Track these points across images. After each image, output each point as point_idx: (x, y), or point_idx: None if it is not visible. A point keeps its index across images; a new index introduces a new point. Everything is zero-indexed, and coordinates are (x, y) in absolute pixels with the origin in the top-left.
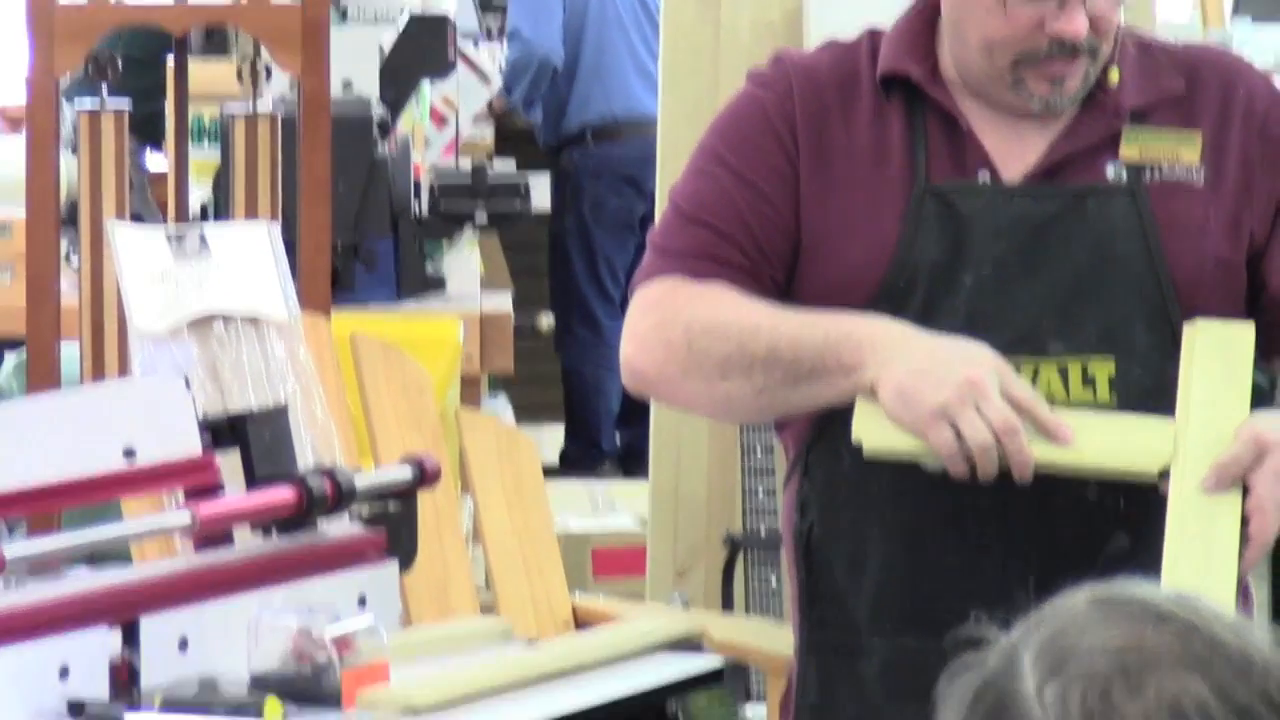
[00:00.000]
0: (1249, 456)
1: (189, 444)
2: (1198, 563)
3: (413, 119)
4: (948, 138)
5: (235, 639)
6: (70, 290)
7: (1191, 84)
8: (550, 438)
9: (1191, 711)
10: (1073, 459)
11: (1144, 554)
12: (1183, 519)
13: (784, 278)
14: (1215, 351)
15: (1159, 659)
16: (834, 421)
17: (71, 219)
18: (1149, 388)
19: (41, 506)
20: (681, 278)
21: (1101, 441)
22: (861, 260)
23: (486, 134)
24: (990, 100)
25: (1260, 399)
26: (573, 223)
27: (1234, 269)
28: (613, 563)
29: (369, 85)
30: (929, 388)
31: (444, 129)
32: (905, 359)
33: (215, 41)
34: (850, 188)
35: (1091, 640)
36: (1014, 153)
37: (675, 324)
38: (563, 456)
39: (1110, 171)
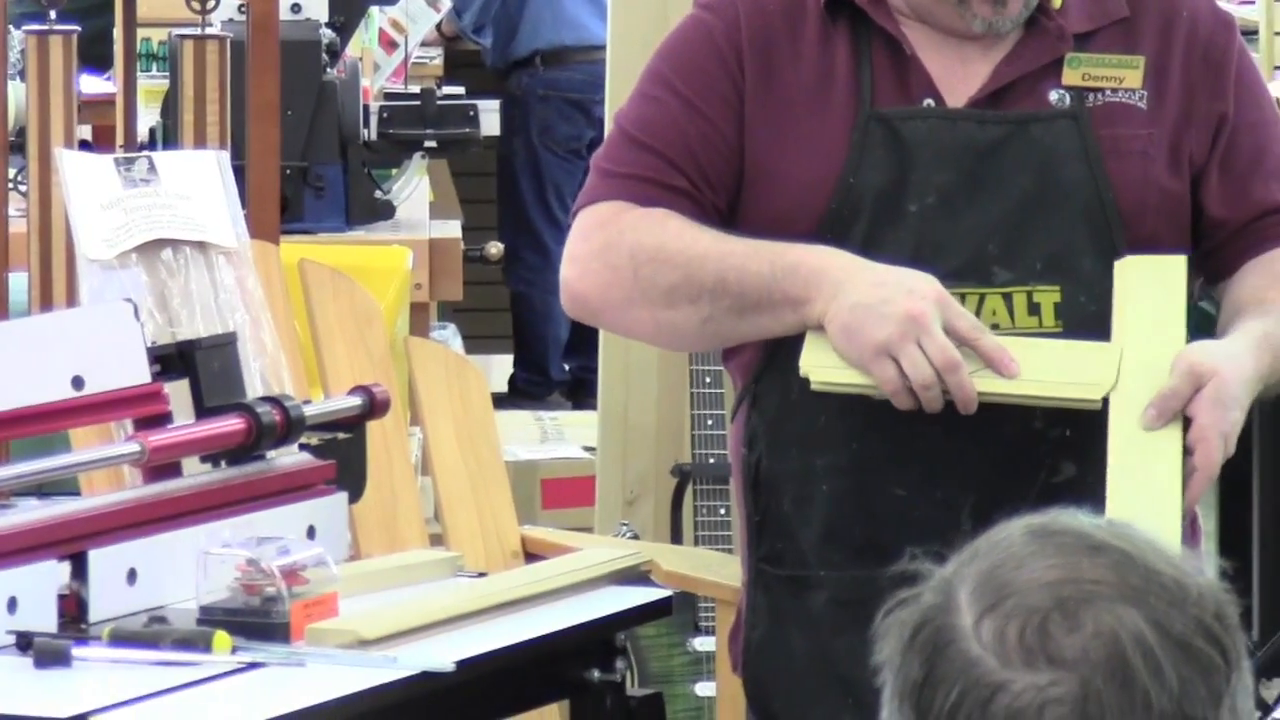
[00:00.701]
0: (1187, 388)
1: (137, 373)
2: (1141, 497)
3: (361, 43)
4: (893, 63)
5: (184, 571)
6: (18, 218)
7: (1135, 7)
8: (499, 366)
9: (1128, 643)
10: (1016, 390)
11: (1093, 482)
12: (1124, 454)
13: (728, 205)
14: (1147, 285)
15: (1095, 591)
16: (782, 352)
17: (19, 146)
18: (1095, 314)
19: None
20: (625, 202)
21: (1045, 371)
22: (806, 187)
23: (436, 58)
24: (934, 23)
25: (1211, 325)
26: (521, 148)
27: (1177, 195)
28: (562, 493)
29: (318, 8)
30: (872, 323)
31: (393, 53)
32: (850, 293)
33: None
34: (795, 114)
35: (1028, 574)
36: (959, 78)
37: (620, 249)
38: (511, 385)
39: (1054, 96)
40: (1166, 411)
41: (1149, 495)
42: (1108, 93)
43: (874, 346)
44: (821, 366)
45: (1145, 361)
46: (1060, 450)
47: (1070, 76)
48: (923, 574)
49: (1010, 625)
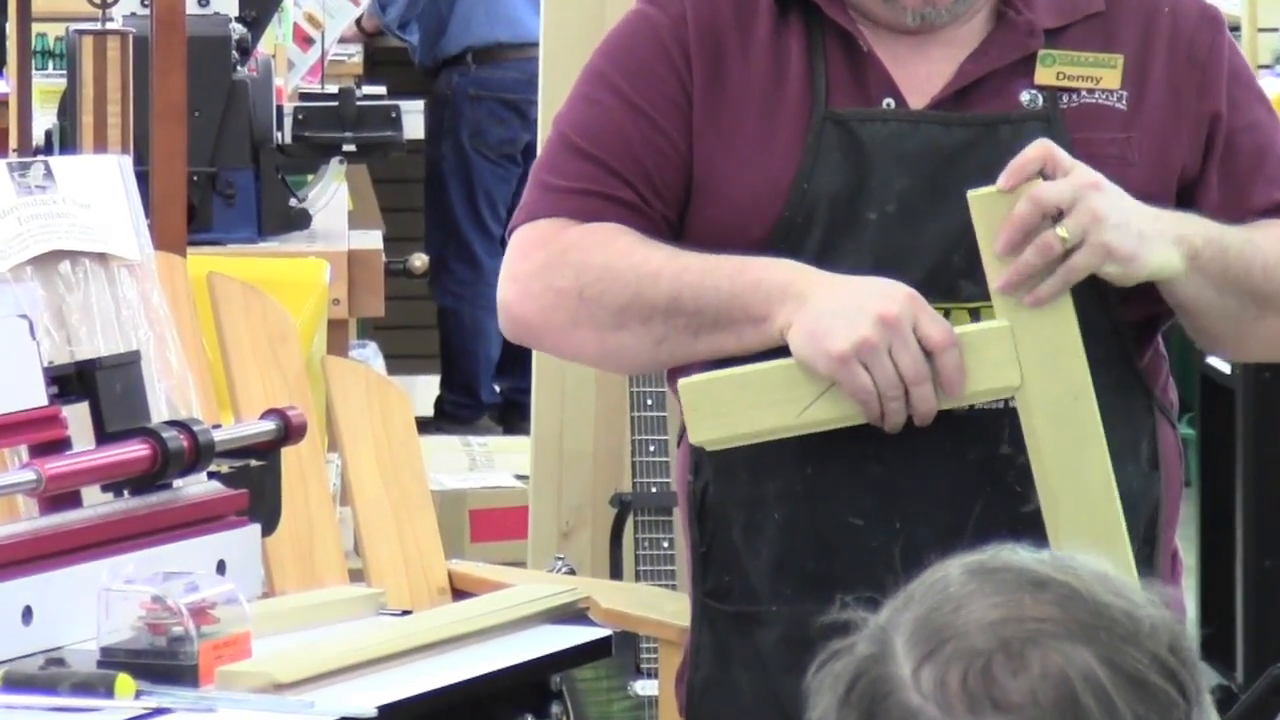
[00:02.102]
0: (1034, 216)
1: (33, 395)
2: (1079, 514)
3: (275, 39)
4: (849, 61)
5: (84, 609)
6: None
7: (1110, 2)
8: (424, 388)
9: (1079, 683)
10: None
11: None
12: (1046, 457)
13: (677, 216)
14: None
15: (1041, 630)
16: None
17: None
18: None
19: None
20: (568, 218)
21: (970, 369)
22: (756, 194)
23: (355, 56)
24: (870, 17)
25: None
26: (450, 152)
27: (1159, 202)
28: (492, 525)
29: (227, 2)
30: (841, 327)
31: (309, 50)
32: (816, 301)
33: None
34: (746, 116)
35: (967, 615)
36: (920, 77)
37: (563, 267)
38: (438, 408)
39: (1024, 97)
40: (1017, 174)
41: (1087, 513)
42: (1083, 94)
43: (842, 351)
44: (710, 422)
45: (1039, 340)
46: (1029, 477)
47: (1043, 75)
48: (856, 622)
49: (951, 671)
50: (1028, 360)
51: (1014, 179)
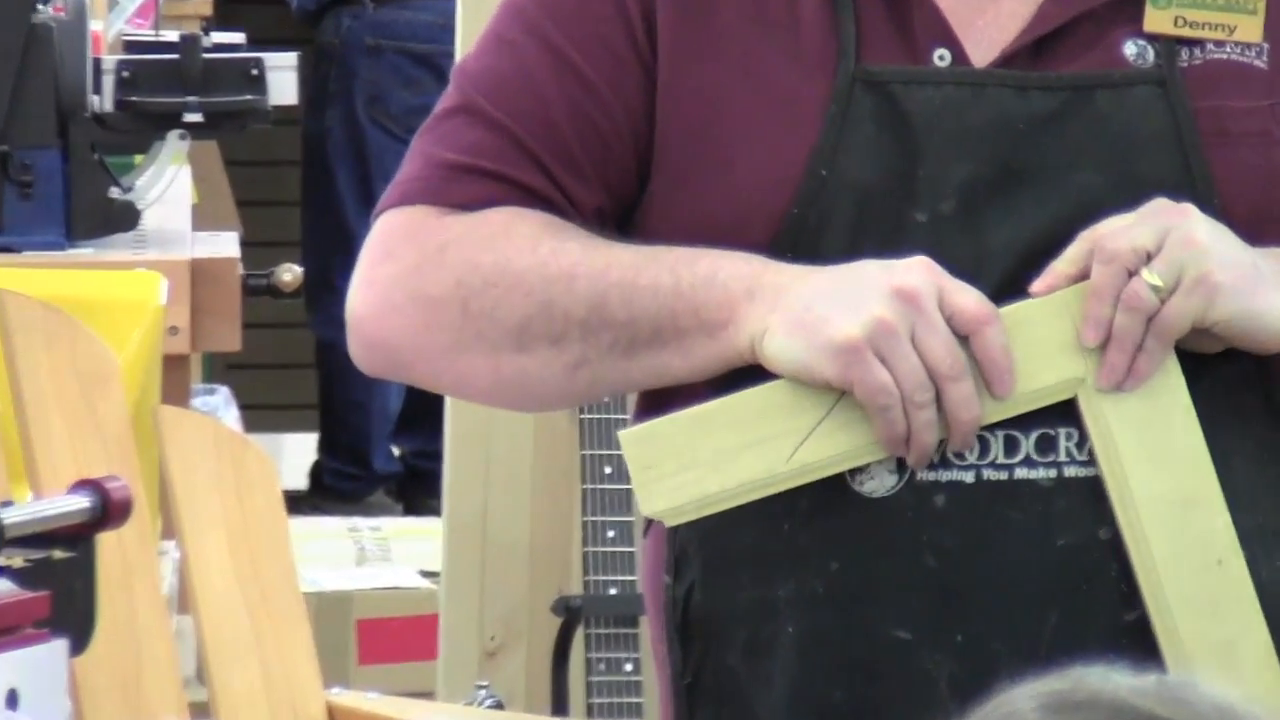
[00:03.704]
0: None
1: None
2: (1199, 610)
3: None
4: (887, 1)
5: None
6: None
7: None
8: (296, 450)
9: None
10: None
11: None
12: (1155, 543)
13: (617, 208)
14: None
15: None
16: None
17: None
18: (1189, 369)
19: None
20: (449, 205)
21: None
22: (754, 182)
23: None
24: None
25: None
26: (338, 123)
27: None
28: (388, 640)
29: None
30: (844, 309)
31: None
32: (800, 293)
33: None
34: (737, 74)
35: None
36: (986, 19)
37: (439, 270)
38: (315, 479)
39: (1130, 50)
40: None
41: (1211, 627)
42: (1211, 47)
43: (849, 338)
44: (672, 481)
45: (1139, 431)
46: (1123, 587)
47: (1155, 20)
48: None
49: None
50: (1131, 456)
51: (1051, 280)
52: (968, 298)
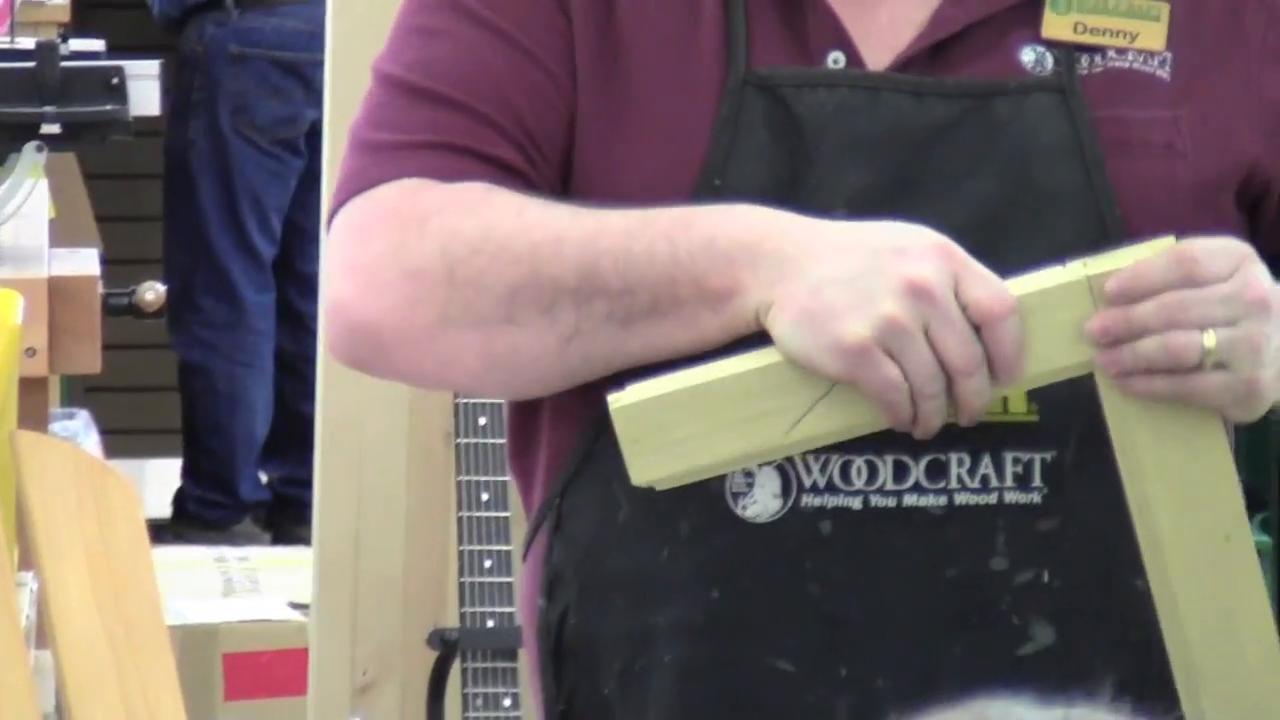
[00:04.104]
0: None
1: None
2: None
3: None
4: (780, 1)
5: None
6: None
7: None
8: (159, 477)
9: None
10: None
11: (1082, 654)
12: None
13: (562, 188)
14: None
15: None
16: (604, 444)
17: None
18: (1088, 385)
19: None
20: (421, 176)
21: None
22: (648, 189)
23: None
24: None
25: None
26: (201, 135)
27: (1217, 204)
28: (256, 675)
29: None
30: (851, 303)
31: None
32: (809, 267)
33: None
34: (638, 78)
35: None
36: (880, 23)
37: (423, 242)
38: (179, 507)
39: (1028, 57)
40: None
41: (1240, 687)
42: (1112, 54)
43: (857, 341)
44: (665, 453)
45: (1172, 455)
46: (1032, 603)
47: (1054, 26)
48: None
49: None
50: (1144, 430)
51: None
52: (985, 289)
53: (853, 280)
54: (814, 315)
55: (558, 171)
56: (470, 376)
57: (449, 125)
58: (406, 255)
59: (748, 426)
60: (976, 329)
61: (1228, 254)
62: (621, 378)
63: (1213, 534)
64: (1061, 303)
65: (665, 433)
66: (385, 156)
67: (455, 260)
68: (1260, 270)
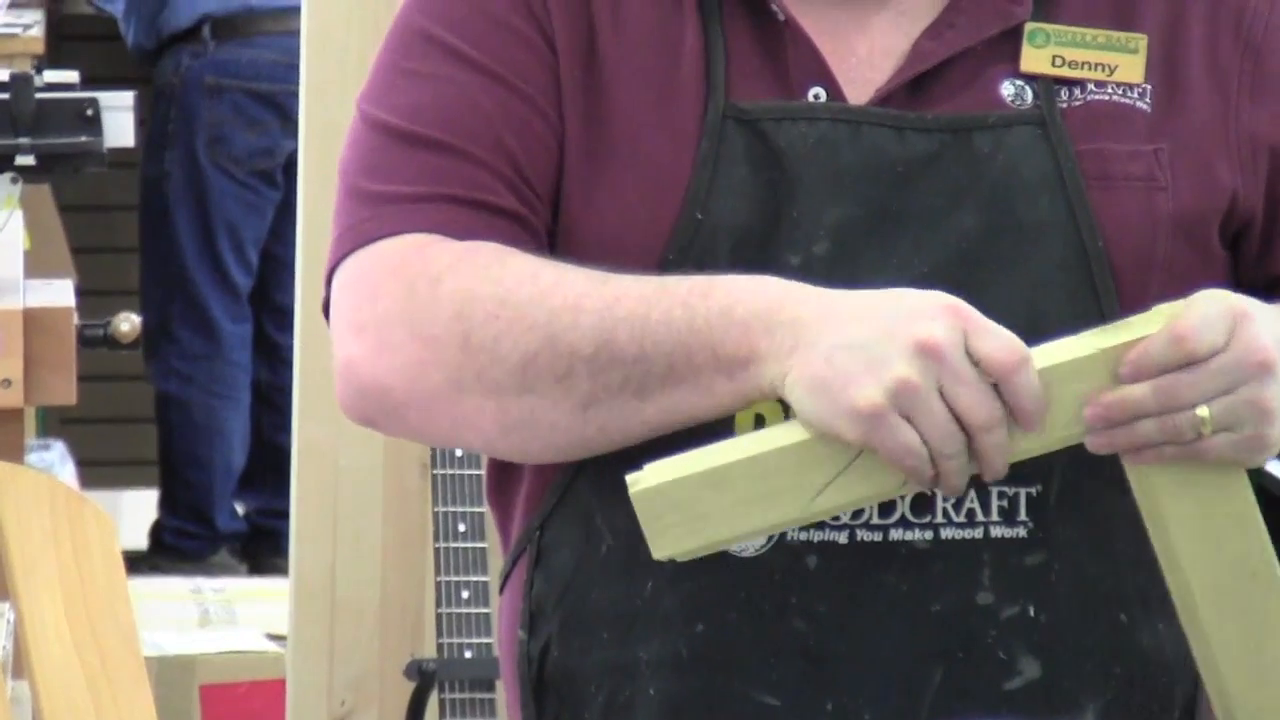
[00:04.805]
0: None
1: None
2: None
3: None
4: (760, 35)
5: None
6: None
7: None
8: (136, 508)
9: None
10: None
11: (1067, 687)
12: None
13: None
14: None
15: None
16: (584, 477)
17: None
18: None
19: None
20: (429, 231)
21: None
22: (630, 223)
23: (33, 27)
24: None
25: None
26: (177, 166)
27: (1199, 236)
28: (233, 706)
29: None
30: (864, 369)
31: None
32: (823, 334)
33: None
34: (619, 113)
35: None
36: (859, 57)
37: (435, 305)
38: (155, 538)
39: (1008, 90)
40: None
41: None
42: (1092, 88)
43: (872, 405)
44: (686, 528)
45: (1193, 494)
46: (1017, 637)
47: (1033, 59)
48: None
49: None
50: (1179, 534)
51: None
52: (995, 343)
53: (865, 346)
54: (828, 382)
55: (550, 210)
56: (485, 441)
57: (450, 174)
58: (418, 317)
59: (769, 502)
60: (994, 385)
61: (1224, 319)
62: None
63: (1239, 573)
64: (1071, 376)
65: (686, 510)
66: (389, 210)
67: (470, 325)
68: (1259, 329)
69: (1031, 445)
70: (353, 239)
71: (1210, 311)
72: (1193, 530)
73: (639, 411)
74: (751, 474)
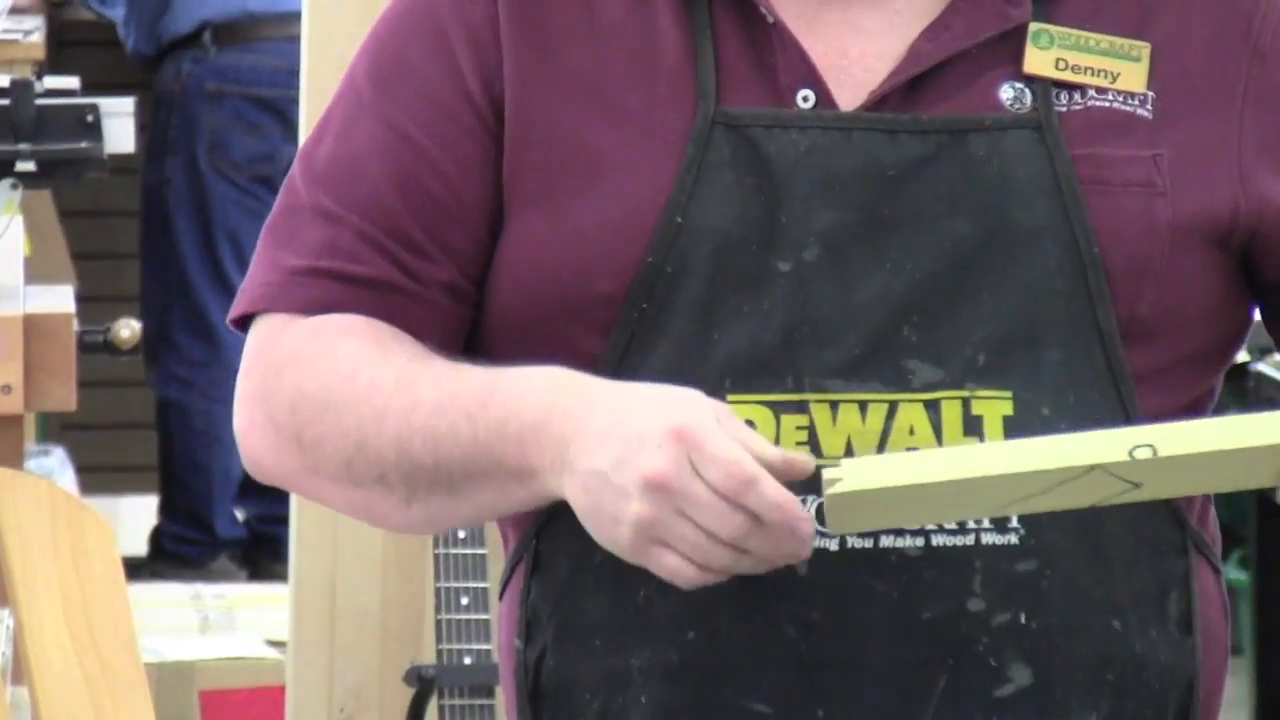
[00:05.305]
0: None
1: None
2: None
3: None
4: (748, 38)
5: None
6: None
7: None
8: (136, 515)
9: None
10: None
11: (1059, 695)
12: None
13: (475, 278)
14: None
15: None
16: None
17: None
18: (1062, 431)
19: None
20: (291, 311)
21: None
22: (608, 230)
23: (34, 33)
24: None
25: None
26: (178, 172)
27: (1197, 244)
28: (233, 712)
29: None
30: (610, 502)
31: None
32: (579, 455)
33: None
34: (590, 117)
35: None
36: (852, 60)
37: (279, 395)
38: (155, 544)
39: (1006, 94)
40: None
41: None
42: (1093, 93)
43: (627, 541)
44: (865, 519)
45: None
46: (1009, 644)
47: (1036, 61)
48: None
49: None
50: None
51: None
52: (719, 472)
53: (607, 475)
54: (590, 516)
55: (468, 258)
56: (347, 515)
57: (329, 247)
58: (268, 404)
59: (957, 509)
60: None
61: None
62: None
63: None
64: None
65: (875, 508)
66: (275, 278)
67: (301, 423)
68: None
69: (1216, 484)
70: (245, 301)
71: None
72: None
73: (456, 508)
74: (952, 490)
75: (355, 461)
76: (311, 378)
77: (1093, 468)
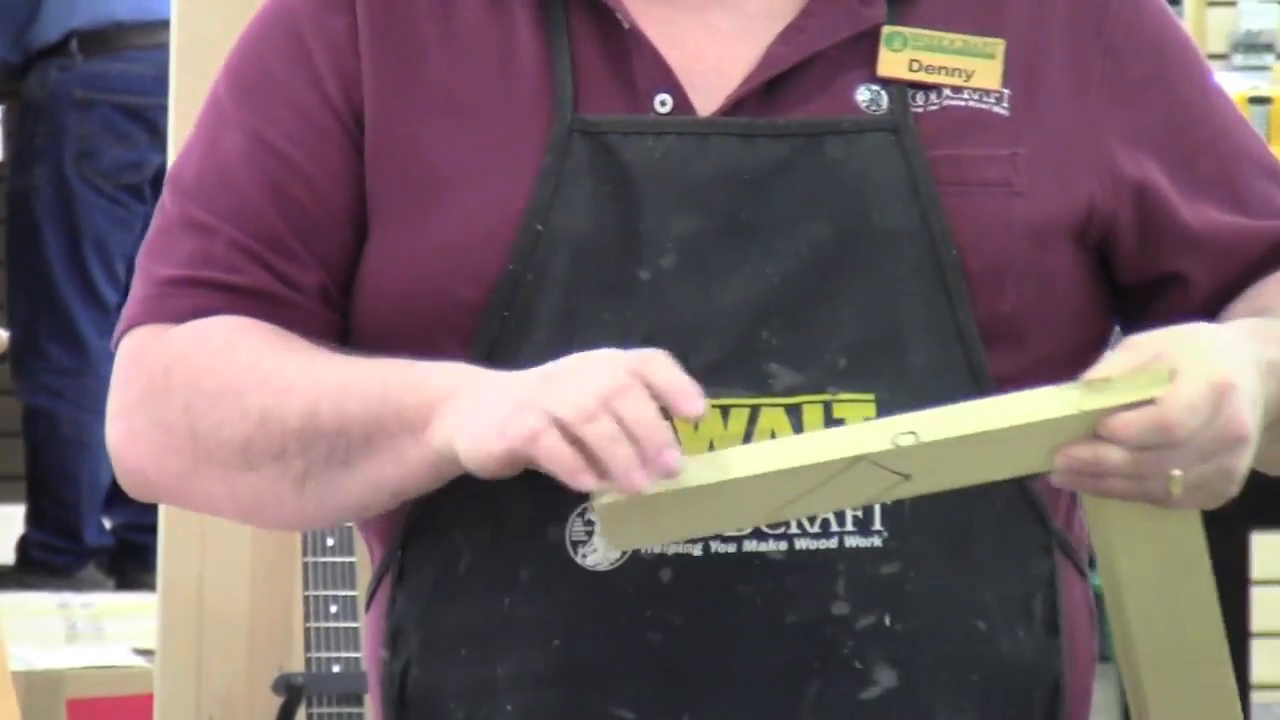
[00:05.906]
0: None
1: None
2: None
3: None
4: (604, 43)
5: None
6: None
7: None
8: (2, 523)
9: None
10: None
11: (922, 699)
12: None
13: (344, 285)
14: None
15: None
16: (447, 491)
17: None
18: None
19: None
20: (168, 321)
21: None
22: (468, 238)
23: None
24: None
25: None
26: (44, 181)
27: (1055, 242)
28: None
29: None
30: (529, 381)
31: None
32: (493, 389)
33: None
34: (452, 128)
35: None
36: (709, 65)
37: (168, 395)
38: (22, 553)
39: (863, 96)
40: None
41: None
42: (948, 93)
43: (532, 422)
44: (640, 532)
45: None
46: (873, 647)
47: (890, 63)
48: None
49: None
50: (1130, 563)
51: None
52: (650, 360)
53: (537, 385)
54: (485, 415)
55: (337, 266)
56: (229, 515)
57: (204, 257)
58: (155, 406)
59: (730, 516)
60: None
61: (1209, 402)
62: None
63: (1180, 611)
64: (1047, 432)
65: (646, 520)
66: (150, 292)
67: (196, 415)
68: (1240, 401)
69: (990, 471)
70: (125, 320)
71: (1196, 397)
72: (1141, 564)
73: (345, 481)
74: (719, 494)
75: (255, 439)
76: (208, 372)
77: (858, 459)
